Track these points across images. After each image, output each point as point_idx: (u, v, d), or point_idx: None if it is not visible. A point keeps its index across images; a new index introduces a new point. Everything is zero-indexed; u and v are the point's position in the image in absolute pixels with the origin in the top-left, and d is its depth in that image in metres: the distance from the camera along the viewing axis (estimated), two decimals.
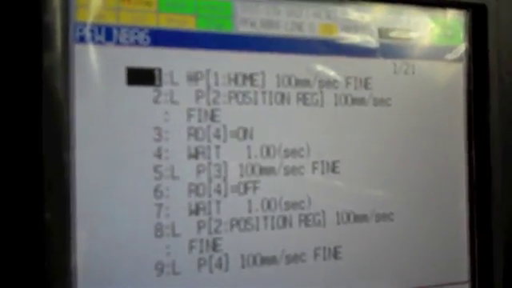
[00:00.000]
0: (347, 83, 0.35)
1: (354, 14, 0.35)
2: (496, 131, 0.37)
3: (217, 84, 0.32)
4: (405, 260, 0.36)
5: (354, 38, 0.35)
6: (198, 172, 0.32)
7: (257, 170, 0.33)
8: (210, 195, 0.32)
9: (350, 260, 0.35)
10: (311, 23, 0.34)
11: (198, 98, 0.32)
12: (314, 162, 0.34)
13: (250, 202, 0.33)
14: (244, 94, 0.33)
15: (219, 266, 0.32)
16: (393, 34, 0.36)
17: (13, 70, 0.28)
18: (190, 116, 0.31)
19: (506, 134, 0.38)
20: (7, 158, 0.28)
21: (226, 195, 0.32)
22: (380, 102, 0.36)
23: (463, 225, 0.38)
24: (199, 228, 0.31)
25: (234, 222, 0.32)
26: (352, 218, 0.35)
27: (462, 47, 0.38)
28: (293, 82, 0.34)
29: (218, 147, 0.32)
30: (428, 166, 0.37)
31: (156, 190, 0.31)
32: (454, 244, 0.37)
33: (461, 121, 0.38)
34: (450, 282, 0.37)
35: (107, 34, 0.30)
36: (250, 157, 0.33)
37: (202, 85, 0.32)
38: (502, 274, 0.37)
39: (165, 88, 0.31)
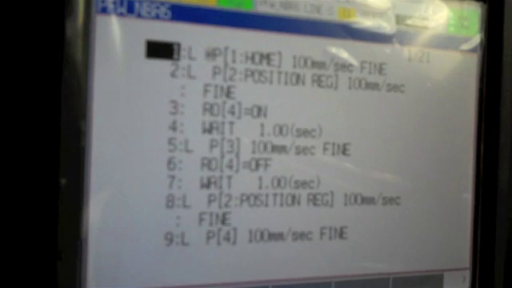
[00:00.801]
0: (362, 67, 0.35)
1: None
2: (506, 124, 0.38)
3: (234, 61, 0.33)
4: (408, 244, 0.37)
5: (372, 24, 0.35)
6: (211, 147, 0.32)
7: (269, 147, 0.33)
8: (221, 170, 0.32)
9: (354, 240, 0.35)
10: (330, 6, 0.34)
11: (214, 74, 0.32)
12: (325, 143, 0.34)
13: (260, 178, 0.33)
14: (260, 73, 0.33)
15: (227, 239, 0.33)
16: (410, 22, 0.36)
17: (35, 39, 0.29)
18: (206, 91, 0.32)
19: None
20: (26, 124, 0.29)
21: (237, 171, 0.33)
22: (393, 87, 0.36)
23: (468, 213, 0.38)
24: (209, 201, 0.32)
25: (243, 198, 0.33)
26: (359, 199, 0.35)
27: (477, 38, 0.38)
28: (309, 63, 0.34)
29: (231, 123, 0.33)
30: (437, 153, 0.37)
31: (169, 162, 0.31)
32: (457, 231, 0.38)
33: (472, 111, 0.38)
34: (452, 267, 0.38)
35: (129, 6, 0.31)
36: (262, 134, 0.33)
37: (219, 61, 0.32)
38: (504, 263, 0.38)
39: (183, 62, 0.32)
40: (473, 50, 0.38)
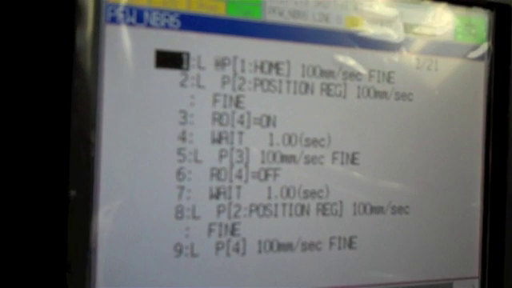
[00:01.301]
0: (370, 76, 0.35)
1: (380, 7, 0.35)
2: None
3: (243, 71, 0.32)
4: (417, 253, 0.36)
5: (380, 32, 0.35)
6: (221, 157, 0.32)
7: (278, 157, 0.33)
8: (231, 180, 0.32)
9: (364, 250, 0.35)
10: (338, 15, 0.34)
11: (223, 83, 0.32)
12: (334, 153, 0.34)
13: (269, 188, 0.33)
14: (269, 82, 0.33)
15: (236, 250, 0.32)
16: (417, 30, 0.36)
17: (45, 49, 0.29)
18: (215, 101, 0.32)
19: None
20: (36, 135, 0.28)
21: (246, 181, 0.32)
22: (402, 96, 0.36)
23: (476, 221, 0.38)
24: (219, 212, 0.32)
25: (253, 208, 0.33)
26: (368, 209, 0.35)
27: (484, 46, 0.38)
28: (317, 72, 0.34)
29: (241, 133, 0.32)
30: (445, 162, 0.37)
31: (179, 172, 0.31)
32: (466, 240, 0.38)
33: (480, 119, 0.38)
34: (461, 276, 0.38)
35: (138, 15, 0.30)
36: (271, 144, 0.33)
37: (228, 71, 0.32)
38: None
39: (192, 72, 0.31)
40: (480, 58, 0.38)
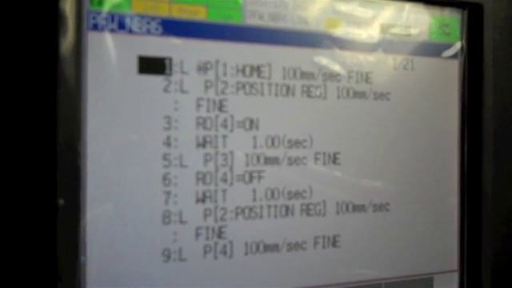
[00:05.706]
0: (349, 77, 0.36)
1: (358, 9, 0.36)
2: (488, 126, 0.39)
3: (225, 75, 0.33)
4: (399, 249, 0.37)
5: (358, 33, 0.36)
6: (206, 161, 0.32)
7: (262, 159, 0.33)
8: (216, 184, 0.32)
9: (347, 248, 0.36)
10: (317, 17, 0.35)
11: (206, 87, 0.32)
12: (317, 153, 0.35)
13: (254, 190, 0.33)
14: (251, 85, 0.33)
15: (224, 252, 0.33)
16: (394, 30, 0.37)
17: (28, 57, 0.28)
18: (198, 105, 0.32)
19: (498, 130, 0.39)
20: (23, 144, 0.28)
21: (231, 184, 0.33)
22: (380, 95, 0.36)
23: (454, 216, 0.39)
24: (205, 216, 0.32)
25: (238, 210, 0.33)
26: (351, 207, 0.36)
27: (458, 45, 0.39)
28: (298, 74, 0.34)
29: (225, 137, 0.33)
30: (423, 159, 0.38)
31: (165, 177, 0.31)
32: (445, 235, 0.39)
33: (455, 116, 0.39)
34: (441, 270, 0.39)
35: (120, 22, 0.30)
36: (255, 147, 0.33)
37: (211, 75, 0.32)
38: (491, 265, 0.39)
39: (175, 77, 0.31)
40: (454, 56, 0.39)
